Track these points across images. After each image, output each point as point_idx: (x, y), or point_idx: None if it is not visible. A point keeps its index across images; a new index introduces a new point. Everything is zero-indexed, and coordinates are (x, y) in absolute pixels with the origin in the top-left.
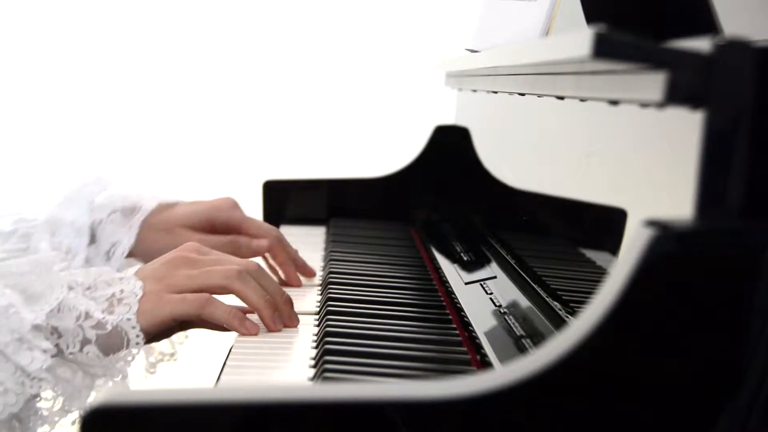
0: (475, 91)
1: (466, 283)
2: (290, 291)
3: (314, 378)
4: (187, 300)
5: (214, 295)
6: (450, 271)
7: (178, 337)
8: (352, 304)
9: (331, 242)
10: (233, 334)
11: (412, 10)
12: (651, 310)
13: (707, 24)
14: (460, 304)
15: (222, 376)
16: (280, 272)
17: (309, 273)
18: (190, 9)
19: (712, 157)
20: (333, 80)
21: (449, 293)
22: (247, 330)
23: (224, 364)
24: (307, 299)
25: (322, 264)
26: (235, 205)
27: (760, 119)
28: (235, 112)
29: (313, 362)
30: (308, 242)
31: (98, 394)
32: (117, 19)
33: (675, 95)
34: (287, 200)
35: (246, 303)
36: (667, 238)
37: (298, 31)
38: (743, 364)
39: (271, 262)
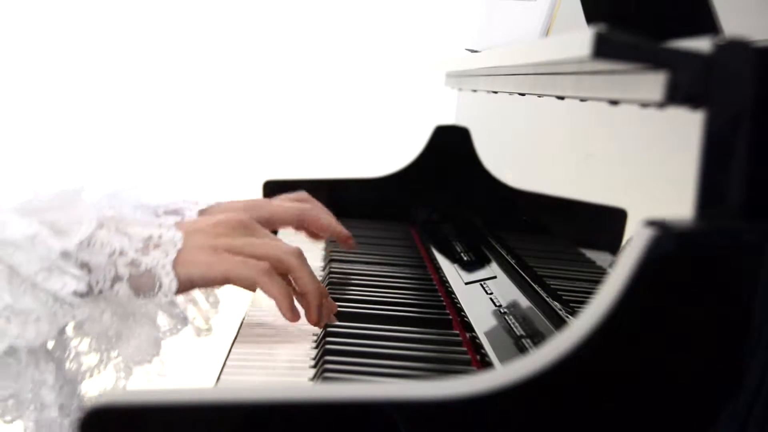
0: (475, 91)
1: (466, 283)
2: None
3: (314, 378)
4: (248, 264)
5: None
6: (450, 271)
7: (209, 311)
8: (352, 304)
9: (331, 242)
10: (232, 334)
11: (412, 10)
12: (651, 310)
13: (707, 24)
14: (460, 304)
15: (222, 376)
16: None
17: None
18: (191, 9)
19: (712, 157)
20: (333, 80)
21: (449, 293)
22: (292, 316)
23: (224, 364)
24: None
25: (322, 264)
26: (265, 202)
27: (760, 119)
28: (236, 112)
29: (313, 362)
30: (308, 242)
31: (98, 395)
32: (117, 18)
33: (675, 95)
34: None
35: (298, 285)
36: (667, 238)
37: (298, 31)
38: (743, 364)
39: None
